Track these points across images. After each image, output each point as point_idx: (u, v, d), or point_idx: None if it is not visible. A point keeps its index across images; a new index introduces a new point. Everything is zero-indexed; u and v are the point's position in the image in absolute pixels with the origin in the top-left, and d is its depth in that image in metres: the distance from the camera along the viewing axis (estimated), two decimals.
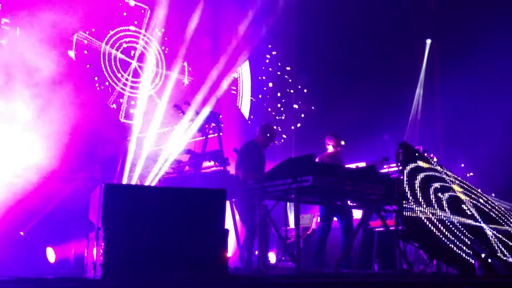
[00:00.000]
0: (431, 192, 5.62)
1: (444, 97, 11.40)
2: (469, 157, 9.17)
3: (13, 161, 6.32)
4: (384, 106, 10.90)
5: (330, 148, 7.11)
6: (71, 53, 8.64)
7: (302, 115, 11.50)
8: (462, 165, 8.71)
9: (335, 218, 6.73)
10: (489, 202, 6.15)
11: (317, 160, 6.88)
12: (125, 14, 9.35)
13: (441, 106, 11.77)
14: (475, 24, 10.19)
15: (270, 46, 11.16)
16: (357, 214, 7.90)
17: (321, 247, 6.55)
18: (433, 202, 5.54)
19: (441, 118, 11.60)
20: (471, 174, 8.79)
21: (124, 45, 9.38)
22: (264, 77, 11.04)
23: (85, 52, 8.88)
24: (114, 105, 9.15)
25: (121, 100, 9.24)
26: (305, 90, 11.44)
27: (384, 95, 11.10)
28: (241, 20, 10.13)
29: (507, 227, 5.88)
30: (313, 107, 11.49)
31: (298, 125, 11.25)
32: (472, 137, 9.83)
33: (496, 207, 6.15)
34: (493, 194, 6.45)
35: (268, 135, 6.60)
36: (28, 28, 6.87)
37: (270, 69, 11.32)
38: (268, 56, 11.19)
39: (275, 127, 7.28)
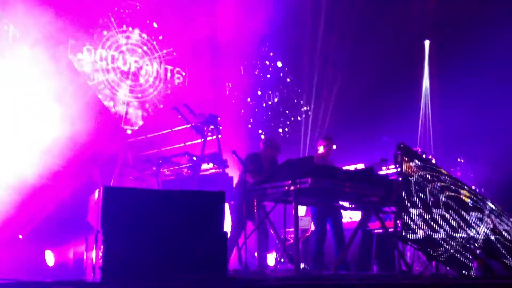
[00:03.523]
0: (429, 194, 5.62)
1: (444, 99, 11.39)
2: (471, 159, 9.16)
3: (11, 163, 6.30)
4: (382, 107, 10.89)
5: (320, 149, 7.12)
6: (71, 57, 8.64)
7: (299, 118, 11.52)
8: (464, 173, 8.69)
9: None
10: (487, 203, 6.16)
11: None
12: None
13: (440, 108, 11.75)
14: (474, 22, 10.20)
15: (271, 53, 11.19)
16: (356, 216, 7.90)
17: (320, 250, 6.56)
18: (431, 203, 5.54)
19: (441, 119, 11.59)
20: (471, 175, 8.79)
21: (123, 48, 9.37)
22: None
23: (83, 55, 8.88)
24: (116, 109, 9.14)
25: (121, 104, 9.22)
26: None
27: (382, 96, 11.11)
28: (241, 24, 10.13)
29: (505, 228, 5.88)
30: (309, 109, 11.51)
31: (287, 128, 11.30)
32: (474, 139, 9.81)
33: (494, 208, 6.15)
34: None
35: (271, 148, 6.69)
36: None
37: (270, 69, 11.35)
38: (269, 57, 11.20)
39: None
